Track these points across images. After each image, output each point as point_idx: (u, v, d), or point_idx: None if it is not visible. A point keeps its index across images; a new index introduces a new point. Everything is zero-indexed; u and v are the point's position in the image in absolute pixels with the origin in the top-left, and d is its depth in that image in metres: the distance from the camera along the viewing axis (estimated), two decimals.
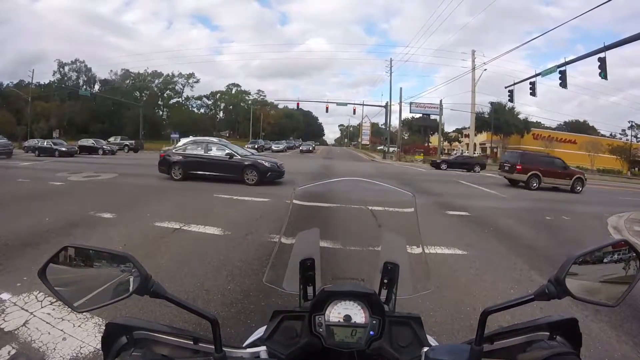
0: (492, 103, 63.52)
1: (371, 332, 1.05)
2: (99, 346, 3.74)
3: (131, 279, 0.95)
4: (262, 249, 6.96)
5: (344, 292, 1.10)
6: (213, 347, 0.94)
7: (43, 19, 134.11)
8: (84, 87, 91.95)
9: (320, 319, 1.07)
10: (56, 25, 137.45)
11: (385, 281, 1.35)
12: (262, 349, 1.03)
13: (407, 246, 1.48)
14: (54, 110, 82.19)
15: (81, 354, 3.80)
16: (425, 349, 1.04)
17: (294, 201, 1.66)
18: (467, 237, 8.97)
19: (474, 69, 49.78)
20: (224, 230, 8.28)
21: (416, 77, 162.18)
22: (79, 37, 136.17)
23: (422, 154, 55.55)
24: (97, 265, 0.97)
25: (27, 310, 4.67)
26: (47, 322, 4.40)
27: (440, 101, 56.88)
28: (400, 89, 61.36)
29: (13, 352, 3.85)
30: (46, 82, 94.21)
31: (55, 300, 4.89)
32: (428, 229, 9.26)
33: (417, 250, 1.52)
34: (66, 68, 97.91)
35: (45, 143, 41.38)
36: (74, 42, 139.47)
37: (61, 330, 4.23)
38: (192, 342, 0.98)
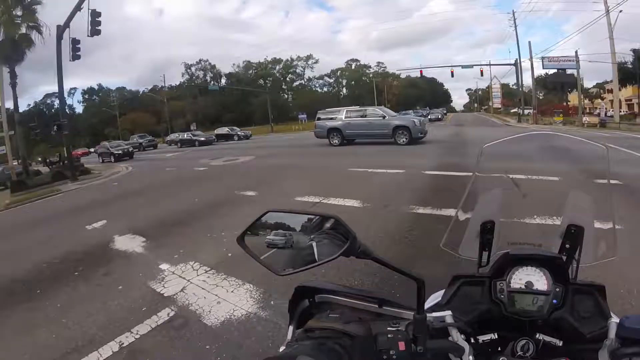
0: (635, 50, 53.65)
1: (554, 301, 1.00)
2: (250, 309, 3.95)
3: (338, 240, 0.91)
4: (402, 220, 6.71)
5: (528, 256, 1.06)
6: (397, 310, 0.94)
7: (168, 30, 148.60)
8: (212, 82, 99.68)
9: (501, 284, 1.04)
10: (181, 32, 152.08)
11: (567, 246, 1.24)
12: (447, 313, 0.97)
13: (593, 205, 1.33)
14: (188, 106, 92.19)
15: (234, 316, 4.02)
16: (615, 319, 0.95)
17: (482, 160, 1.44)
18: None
19: (608, 11, 42.79)
20: (362, 203, 8.19)
21: (546, 28, 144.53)
22: (203, 39, 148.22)
23: (561, 115, 49.18)
24: (301, 228, 0.97)
25: (184, 278, 5.11)
26: (202, 288, 4.75)
27: (576, 52, 49.15)
28: (529, 43, 54.98)
29: (172, 314, 4.22)
30: (177, 84, 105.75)
31: (209, 268, 5.32)
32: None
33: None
34: (192, 68, 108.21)
35: (185, 135, 45.93)
36: (198, 45, 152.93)
37: (216, 295, 4.53)
38: (376, 306, 0.96)
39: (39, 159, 32.53)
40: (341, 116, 23.03)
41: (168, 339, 3.72)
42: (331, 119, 23.50)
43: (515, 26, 53.30)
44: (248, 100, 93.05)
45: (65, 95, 34.12)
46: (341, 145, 22.57)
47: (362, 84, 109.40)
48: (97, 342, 3.79)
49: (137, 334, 3.85)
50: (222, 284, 4.81)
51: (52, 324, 4.33)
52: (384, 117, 21.56)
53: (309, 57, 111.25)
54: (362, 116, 22.46)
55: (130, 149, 37.67)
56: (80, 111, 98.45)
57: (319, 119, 24.30)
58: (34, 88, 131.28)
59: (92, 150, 59.30)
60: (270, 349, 3.34)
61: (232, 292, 4.56)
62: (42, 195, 17.70)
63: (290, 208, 0.98)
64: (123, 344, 3.70)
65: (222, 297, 4.43)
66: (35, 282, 5.72)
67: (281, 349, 0.84)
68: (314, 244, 0.93)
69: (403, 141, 20.41)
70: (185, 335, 3.76)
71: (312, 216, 0.97)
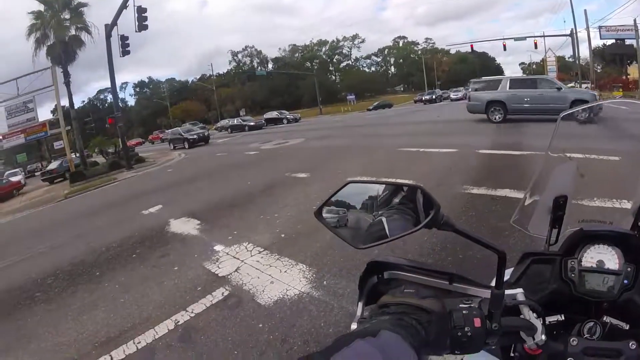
0: None
1: (625, 281, 0.96)
2: (303, 289, 3.92)
3: (421, 211, 0.89)
4: (454, 200, 6.47)
5: (603, 233, 1.01)
6: (468, 286, 0.91)
7: (213, 19, 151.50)
8: (259, 68, 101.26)
9: (572, 263, 1.00)
10: (225, 21, 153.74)
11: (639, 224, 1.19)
12: (519, 291, 0.92)
13: None
14: (237, 93, 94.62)
15: (287, 295, 4.03)
16: None
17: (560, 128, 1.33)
18: None
19: None
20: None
21: None
22: (248, 26, 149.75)
23: (620, 90, 45.20)
24: (381, 198, 0.94)
25: (238, 259, 5.18)
26: (256, 269, 4.79)
27: (634, 21, 45.40)
28: (585, 11, 51.20)
29: (226, 293, 4.29)
30: (225, 72, 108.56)
31: (263, 249, 5.37)
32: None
33: None
34: (239, 55, 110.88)
35: (235, 121, 46.81)
36: (243, 32, 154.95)
37: (269, 275, 4.55)
38: (447, 282, 0.92)
39: (97, 151, 33.79)
40: (504, 86, 18.82)
41: (222, 318, 3.77)
42: (490, 89, 19.27)
43: None
44: (296, 83, 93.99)
45: (118, 89, 35.35)
46: (502, 122, 18.10)
47: (410, 62, 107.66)
48: (153, 320, 3.91)
49: (192, 312, 3.93)
50: (276, 264, 4.83)
51: (110, 304, 4.52)
52: (560, 88, 17.71)
53: (354, 36, 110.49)
54: (531, 87, 18.37)
55: (206, 133, 33.48)
56: (132, 104, 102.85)
57: (473, 89, 20.07)
58: (88, 85, 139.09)
59: (143, 140, 61.71)
60: (322, 328, 3.34)
61: (285, 272, 4.57)
62: (99, 184, 18.63)
63: (372, 178, 0.92)
64: (178, 322, 3.79)
65: (275, 277, 4.45)
66: (94, 265, 5.99)
67: (353, 326, 0.80)
68: (384, 219, 0.90)
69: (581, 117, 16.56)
70: (239, 314, 3.80)
71: (397, 185, 0.95)
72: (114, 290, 4.93)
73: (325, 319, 3.47)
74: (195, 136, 31.58)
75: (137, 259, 5.91)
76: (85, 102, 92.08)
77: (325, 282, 4.16)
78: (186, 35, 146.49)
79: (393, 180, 0.85)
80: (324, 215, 0.93)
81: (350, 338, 0.63)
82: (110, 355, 3.45)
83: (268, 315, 3.69)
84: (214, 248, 5.70)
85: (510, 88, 18.34)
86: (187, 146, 30.27)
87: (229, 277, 4.66)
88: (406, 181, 0.92)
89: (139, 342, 3.56)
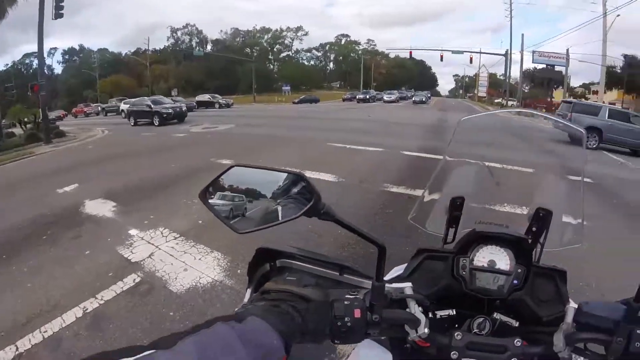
0: (626, 56, 52.66)
1: (515, 281, 1.02)
2: (217, 277, 4.00)
3: (301, 199, 0.89)
4: (375, 197, 6.83)
5: (495, 234, 1.06)
6: (356, 278, 0.95)
7: None
8: (197, 48, 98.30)
9: (464, 261, 1.05)
10: None
11: (534, 229, 1.28)
12: (407, 285, 0.96)
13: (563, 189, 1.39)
14: (172, 71, 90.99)
15: (200, 283, 4.09)
16: (573, 304, 0.94)
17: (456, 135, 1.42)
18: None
19: (605, 14, 42.54)
20: (338, 178, 8.25)
21: (542, 22, 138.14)
22: (193, 2, 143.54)
23: (543, 110, 49.38)
24: (264, 184, 0.94)
25: (152, 244, 5.16)
26: (170, 255, 4.80)
27: (567, 50, 48.79)
28: (522, 35, 54.60)
29: (138, 280, 4.26)
30: (161, 48, 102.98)
31: (179, 235, 5.38)
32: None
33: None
34: (179, 33, 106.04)
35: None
36: (188, 8, 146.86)
37: (183, 262, 4.59)
38: (337, 273, 0.97)
39: (23, 120, 30.86)
40: (603, 114, 18.84)
41: (132, 305, 3.77)
42: (589, 114, 18.87)
43: (511, 16, 52.94)
44: (233, 68, 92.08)
45: (45, 55, 32.82)
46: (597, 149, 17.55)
47: (350, 60, 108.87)
48: (61, 307, 3.80)
49: (101, 299, 3.88)
50: (191, 251, 4.87)
51: (17, 289, 4.32)
52: None
53: (298, 28, 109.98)
54: (624, 120, 18.73)
55: (183, 109, 26.52)
56: (60, 72, 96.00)
57: (575, 110, 19.30)
58: (15, 47, 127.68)
59: (66, 113, 57.97)
60: None
61: (199, 259, 4.62)
62: (13, 157, 17.37)
63: (258, 164, 0.97)
64: (87, 309, 3.73)
65: (189, 265, 4.49)
66: (1, 246, 5.66)
67: (235, 311, 0.82)
68: (280, 207, 0.91)
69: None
70: (150, 301, 3.81)
71: (280, 171, 0.94)
72: (22, 274, 4.70)
73: (236, 307, 3.56)
74: (170, 110, 24.67)
75: (47, 241, 5.66)
76: (9, 65, 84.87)
77: (239, 271, 4.26)
78: (126, 3, 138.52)
79: (277, 167, 0.92)
80: (219, 201, 0.93)
81: (213, 321, 0.64)
82: (15, 345, 3.32)
83: (180, 303, 3.74)
84: (129, 232, 5.61)
85: (608, 117, 18.56)
86: (157, 123, 23.88)
87: (141, 263, 4.63)
88: (290, 169, 0.94)
89: (46, 331, 3.46)
